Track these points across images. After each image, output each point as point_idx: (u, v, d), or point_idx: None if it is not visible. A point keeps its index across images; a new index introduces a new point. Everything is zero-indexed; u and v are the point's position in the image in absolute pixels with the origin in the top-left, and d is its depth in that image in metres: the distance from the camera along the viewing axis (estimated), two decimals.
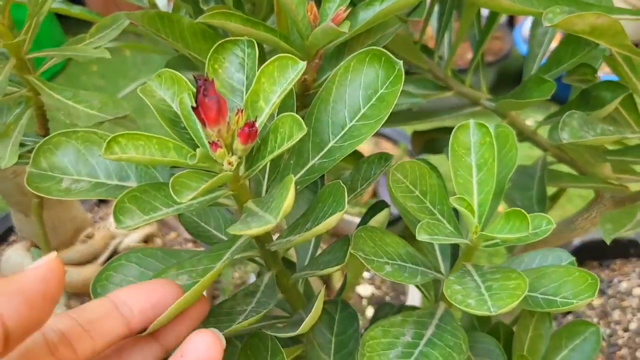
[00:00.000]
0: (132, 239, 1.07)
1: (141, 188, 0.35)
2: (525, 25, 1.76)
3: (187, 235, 1.16)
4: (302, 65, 0.34)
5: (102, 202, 1.26)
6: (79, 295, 1.00)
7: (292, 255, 0.50)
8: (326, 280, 0.91)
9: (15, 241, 1.18)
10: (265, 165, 0.42)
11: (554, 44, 0.64)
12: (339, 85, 0.39)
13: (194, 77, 0.33)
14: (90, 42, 0.47)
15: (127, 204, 0.34)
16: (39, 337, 0.28)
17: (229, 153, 0.33)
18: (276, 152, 0.33)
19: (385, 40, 0.50)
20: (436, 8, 0.66)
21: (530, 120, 1.49)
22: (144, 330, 0.32)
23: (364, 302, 0.89)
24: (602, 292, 1.01)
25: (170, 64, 0.51)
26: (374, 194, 1.21)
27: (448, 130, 0.74)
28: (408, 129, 1.62)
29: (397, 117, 0.68)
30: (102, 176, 0.39)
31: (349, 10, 0.44)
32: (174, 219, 1.18)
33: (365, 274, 0.93)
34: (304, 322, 0.36)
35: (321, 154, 0.39)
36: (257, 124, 0.33)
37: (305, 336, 0.44)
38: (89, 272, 1.01)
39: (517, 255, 0.47)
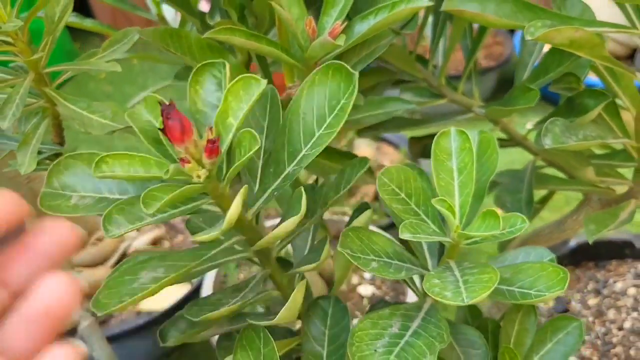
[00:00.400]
0: (140, 241, 1.11)
1: (128, 201, 0.39)
2: None
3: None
4: (264, 82, 0.38)
5: None
6: (91, 296, 1.04)
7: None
8: (329, 280, 0.94)
9: None
10: (257, 172, 0.45)
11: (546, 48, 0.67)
12: (307, 97, 0.41)
13: (159, 103, 0.36)
14: (103, 56, 0.51)
15: (115, 215, 0.38)
16: None
17: (199, 167, 0.36)
18: (238, 164, 0.36)
19: (380, 51, 0.53)
20: (430, 19, 0.69)
21: (530, 123, 1.51)
22: None
23: (365, 301, 0.92)
24: (597, 292, 1.03)
25: (179, 75, 0.55)
26: (376, 197, 1.25)
27: None
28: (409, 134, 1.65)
29: (395, 124, 0.71)
30: (105, 191, 0.43)
31: (345, 24, 0.47)
32: (182, 222, 1.22)
33: (366, 275, 0.97)
34: (280, 312, 0.40)
35: (294, 162, 0.41)
36: (221, 140, 0.36)
37: (301, 329, 0.48)
38: (100, 273, 1.05)
39: (501, 254, 0.50)
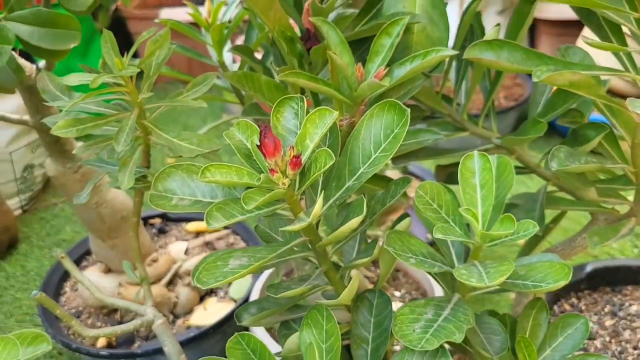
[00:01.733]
0: (191, 263, 1.22)
1: (224, 201, 0.50)
2: None
3: None
4: (336, 114, 0.49)
5: (161, 232, 1.42)
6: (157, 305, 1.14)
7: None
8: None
9: (86, 267, 1.34)
10: (317, 186, 0.56)
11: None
12: (366, 127, 0.53)
13: (257, 125, 0.48)
14: (188, 95, 0.63)
15: (215, 212, 0.49)
16: None
17: (283, 177, 0.47)
18: (315, 176, 0.47)
19: (414, 91, 0.64)
20: (454, 64, 0.80)
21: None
22: None
23: None
24: (613, 314, 1.11)
25: (245, 111, 0.66)
26: None
27: None
28: (432, 168, 1.75)
29: (425, 153, 0.81)
30: (199, 196, 0.54)
31: (387, 69, 0.58)
32: (225, 246, 1.32)
33: (396, 293, 1.05)
34: (342, 293, 0.50)
35: (354, 177, 0.52)
36: (302, 156, 0.47)
37: (351, 318, 0.57)
38: (154, 292, 1.15)
39: (518, 259, 0.59)
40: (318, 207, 0.46)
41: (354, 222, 0.47)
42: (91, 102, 0.61)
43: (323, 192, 0.49)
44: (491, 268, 0.49)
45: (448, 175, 0.86)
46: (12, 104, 1.59)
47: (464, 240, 0.52)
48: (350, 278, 0.62)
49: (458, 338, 0.48)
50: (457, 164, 0.88)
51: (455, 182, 0.86)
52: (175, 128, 2.10)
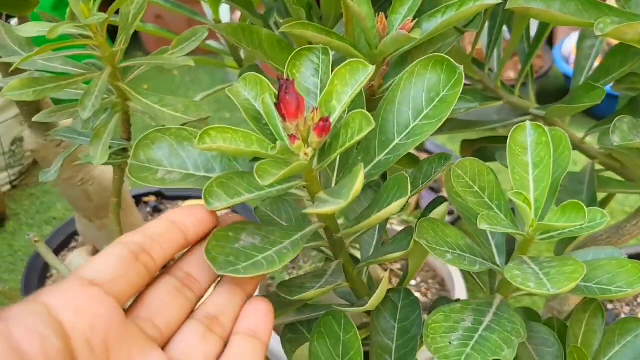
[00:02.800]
0: None
1: (227, 175, 0.39)
2: (565, 44, 1.77)
3: None
4: (372, 68, 0.38)
5: (156, 211, 1.32)
6: None
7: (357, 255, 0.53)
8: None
9: (75, 247, 1.24)
10: (335, 160, 0.46)
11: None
12: (404, 88, 0.42)
13: (277, 78, 0.37)
14: (173, 52, 0.52)
15: (216, 189, 0.38)
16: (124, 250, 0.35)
17: (305, 145, 0.37)
18: (348, 145, 0.36)
19: (444, 50, 0.54)
20: (487, 24, 0.69)
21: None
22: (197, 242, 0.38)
23: None
24: None
25: (243, 73, 0.56)
26: (417, 206, 1.24)
27: (497, 139, 0.76)
28: (452, 146, 1.65)
29: (450, 125, 0.71)
30: (191, 168, 0.43)
31: (415, 21, 0.47)
32: None
33: (412, 281, 0.96)
34: (371, 299, 0.40)
35: (386, 150, 0.42)
36: (330, 120, 0.37)
37: (370, 322, 0.47)
38: None
39: (571, 252, 0.49)
40: (359, 183, 0.34)
41: (395, 206, 0.36)
42: (57, 60, 0.51)
43: (360, 163, 0.38)
44: (550, 268, 0.39)
45: (475, 151, 0.75)
46: None
47: (513, 232, 0.41)
48: (368, 273, 0.52)
49: (508, 356, 0.39)
50: (486, 138, 0.78)
51: (485, 160, 0.75)
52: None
